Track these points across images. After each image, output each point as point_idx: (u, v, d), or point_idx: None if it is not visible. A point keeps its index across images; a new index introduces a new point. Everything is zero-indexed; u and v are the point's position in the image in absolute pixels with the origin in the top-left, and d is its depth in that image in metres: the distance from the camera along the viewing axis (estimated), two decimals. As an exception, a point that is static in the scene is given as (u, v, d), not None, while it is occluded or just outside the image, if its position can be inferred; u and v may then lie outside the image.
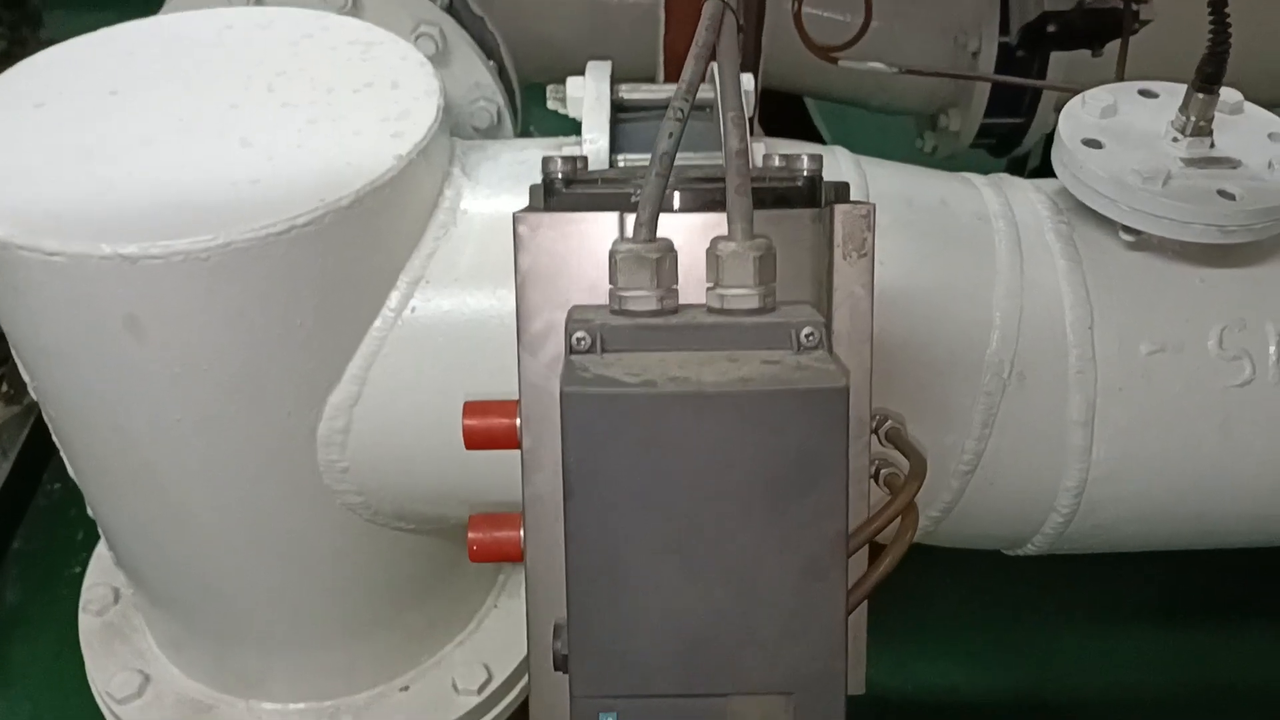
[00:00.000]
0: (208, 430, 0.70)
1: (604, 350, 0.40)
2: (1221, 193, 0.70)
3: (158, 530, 0.79)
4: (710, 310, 0.41)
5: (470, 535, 0.50)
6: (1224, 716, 1.17)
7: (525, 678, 0.96)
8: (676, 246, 0.42)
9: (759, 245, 0.41)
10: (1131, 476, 0.74)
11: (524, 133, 1.12)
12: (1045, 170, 0.94)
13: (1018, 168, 1.47)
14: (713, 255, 0.42)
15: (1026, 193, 0.79)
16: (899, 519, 0.48)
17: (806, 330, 0.39)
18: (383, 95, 0.73)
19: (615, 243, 0.42)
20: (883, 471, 0.53)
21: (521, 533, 0.47)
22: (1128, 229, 0.72)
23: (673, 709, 0.40)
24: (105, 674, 0.93)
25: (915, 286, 0.73)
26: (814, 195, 0.47)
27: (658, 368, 0.38)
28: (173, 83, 0.74)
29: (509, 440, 0.47)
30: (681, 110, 0.42)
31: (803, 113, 1.75)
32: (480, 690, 0.92)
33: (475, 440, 0.49)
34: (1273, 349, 0.72)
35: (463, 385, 0.73)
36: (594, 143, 0.69)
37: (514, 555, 0.47)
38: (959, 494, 0.76)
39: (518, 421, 0.46)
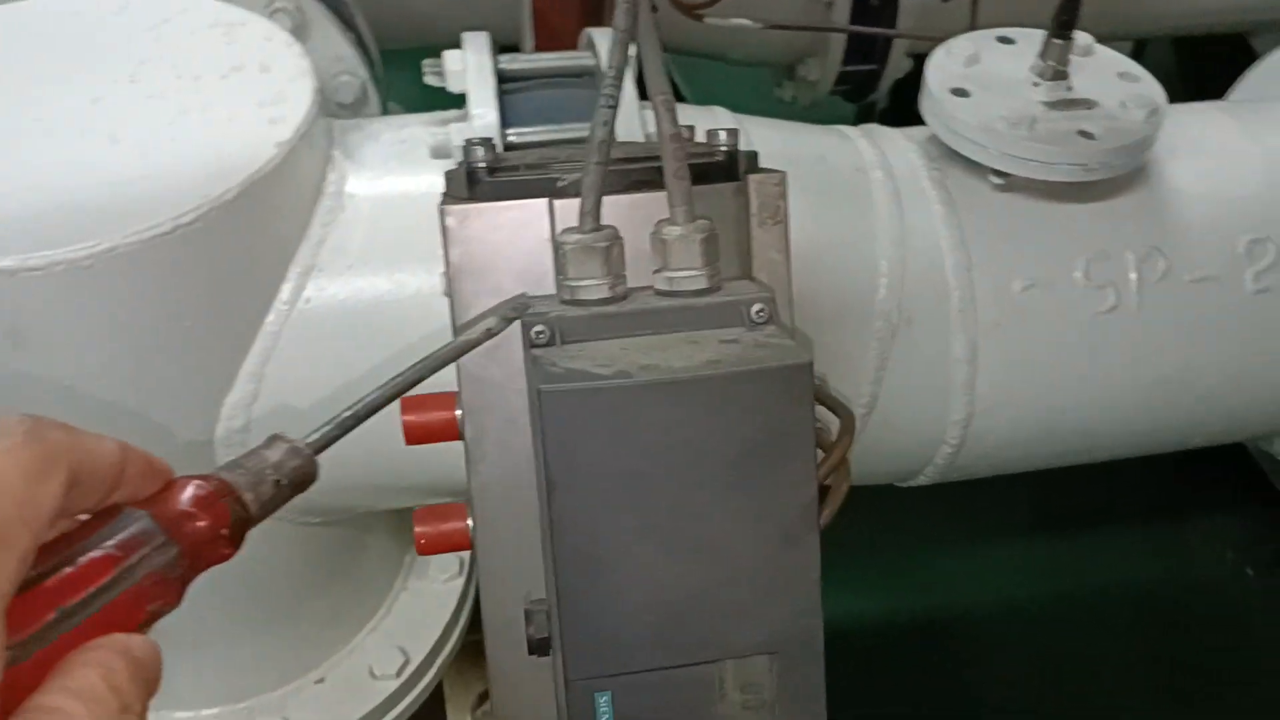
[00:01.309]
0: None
1: (563, 341, 0.40)
2: (1082, 133, 0.74)
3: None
4: (659, 293, 0.42)
5: (417, 530, 0.50)
6: (1095, 614, 1.26)
7: (442, 656, 0.97)
8: (605, 228, 0.42)
9: (703, 227, 0.42)
10: (1012, 406, 0.79)
11: (385, 105, 1.10)
12: (895, 112, 0.97)
13: (868, 112, 1.51)
14: (658, 239, 0.42)
15: (898, 142, 0.82)
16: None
17: (756, 307, 0.40)
18: (253, 80, 0.71)
19: (561, 234, 0.42)
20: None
21: (469, 522, 0.47)
22: (997, 172, 0.76)
23: (663, 681, 0.41)
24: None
25: (804, 242, 0.74)
26: (733, 169, 0.48)
27: (624, 356, 0.39)
28: (25, 78, 0.70)
29: (449, 433, 0.47)
30: (612, 96, 0.42)
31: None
32: (399, 674, 0.91)
33: (415, 435, 0.48)
34: (1133, 276, 0.77)
35: (362, 372, 0.71)
36: (483, 117, 0.69)
37: (463, 545, 0.48)
38: (858, 436, 0.79)
39: (458, 413, 0.46)
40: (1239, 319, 0.80)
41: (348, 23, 1.04)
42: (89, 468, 0.38)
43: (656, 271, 0.43)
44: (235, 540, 0.41)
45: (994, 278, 0.77)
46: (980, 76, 0.77)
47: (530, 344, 0.41)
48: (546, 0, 1.07)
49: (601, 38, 0.76)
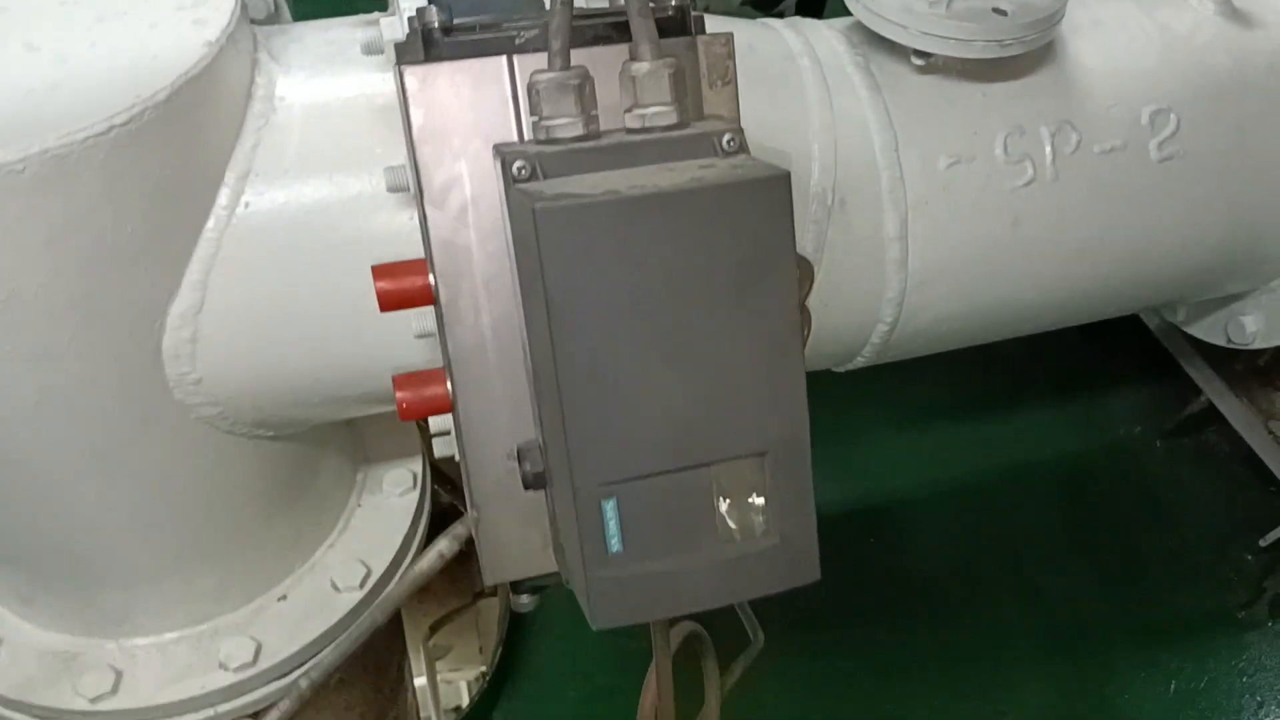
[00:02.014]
0: (44, 360, 0.66)
1: (545, 176, 0.41)
2: (996, 10, 0.76)
3: (-3, 476, 0.74)
4: (631, 131, 0.43)
5: (398, 395, 0.51)
6: (1020, 489, 1.32)
7: (403, 567, 0.98)
8: (566, 82, 0.43)
9: (670, 63, 0.43)
10: (943, 280, 0.82)
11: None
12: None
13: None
14: (626, 78, 0.43)
15: (822, 31, 0.84)
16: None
17: (727, 138, 0.42)
18: (173, -17, 0.69)
19: (533, 75, 0.42)
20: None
21: (448, 385, 0.48)
22: (918, 53, 0.78)
23: (665, 485, 0.43)
24: (-54, 644, 0.87)
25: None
26: (685, 24, 0.49)
27: (607, 183, 0.40)
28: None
29: (424, 298, 0.47)
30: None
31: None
32: (362, 585, 0.92)
33: (389, 302, 0.49)
34: (1048, 149, 0.81)
35: (308, 277, 0.71)
36: (411, 10, 0.68)
37: (444, 408, 0.49)
38: (796, 318, 0.81)
39: (431, 278, 0.47)
40: (1145, 187, 0.84)
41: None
42: None
43: (627, 111, 0.44)
44: None
45: (920, 156, 0.79)
46: (898, -39, 0.79)
47: (513, 180, 0.42)
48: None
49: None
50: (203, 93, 0.64)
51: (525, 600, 0.54)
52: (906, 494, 1.30)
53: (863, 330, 0.85)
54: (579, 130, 0.43)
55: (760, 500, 0.44)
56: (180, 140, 0.64)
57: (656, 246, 0.40)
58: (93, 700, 0.84)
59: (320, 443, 0.91)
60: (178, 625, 0.88)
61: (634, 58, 0.44)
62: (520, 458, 0.44)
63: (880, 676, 1.13)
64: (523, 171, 0.41)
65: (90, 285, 0.64)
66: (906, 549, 1.26)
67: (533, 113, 0.43)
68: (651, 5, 0.49)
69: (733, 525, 0.44)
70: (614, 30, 0.44)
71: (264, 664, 0.87)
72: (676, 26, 0.48)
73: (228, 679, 0.86)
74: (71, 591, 0.86)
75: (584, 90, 0.43)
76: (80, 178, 0.60)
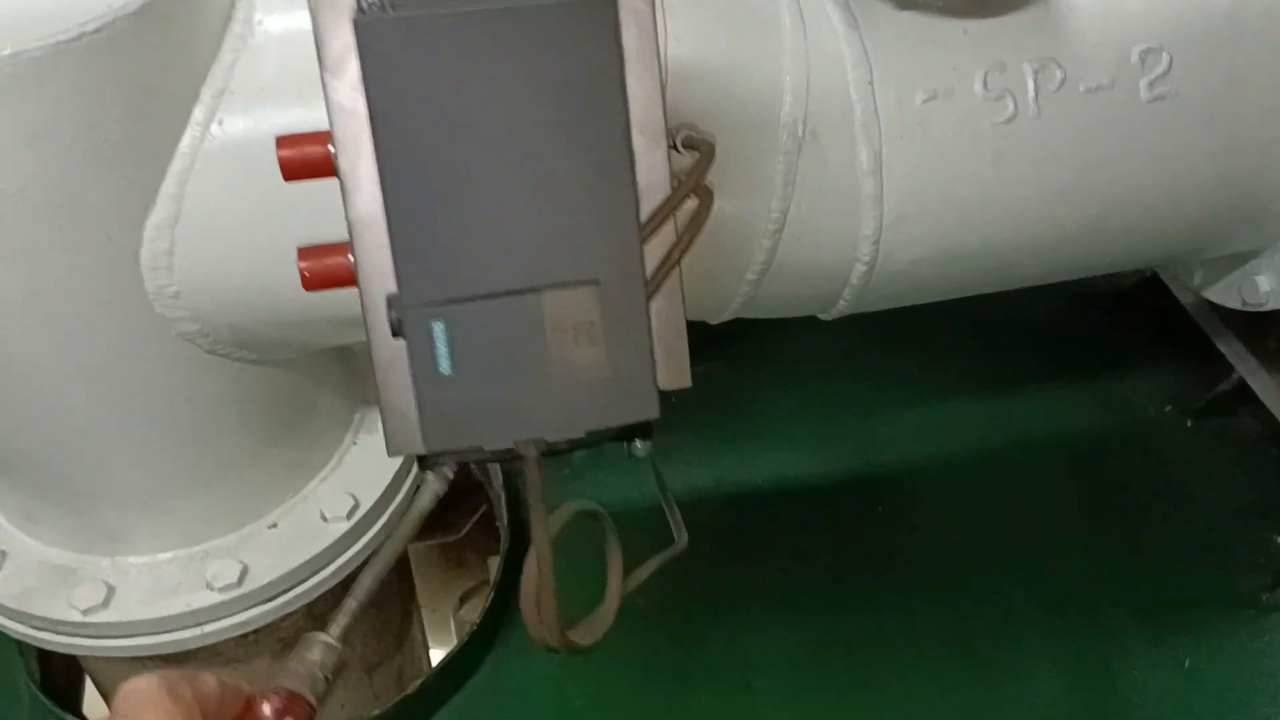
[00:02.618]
0: (25, 259, 0.69)
1: (394, 9, 0.43)
2: (973, -58, 0.76)
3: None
4: None
5: (300, 265, 0.52)
6: (1034, 467, 1.30)
7: (394, 504, 1.00)
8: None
9: None
10: (920, 217, 0.82)
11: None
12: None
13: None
14: None
15: (804, -32, 0.84)
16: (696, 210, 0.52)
17: None
18: (158, -94, 0.72)
19: None
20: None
21: (350, 256, 0.49)
22: (895, -13, 0.78)
23: (495, 310, 0.44)
24: (-44, 553, 0.92)
25: (710, 59, 0.77)
26: None
27: (444, 6, 0.41)
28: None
29: (326, 167, 0.49)
30: None
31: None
32: (349, 516, 0.94)
33: (293, 171, 0.51)
34: (1030, 85, 0.80)
35: (283, 194, 0.73)
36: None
37: (346, 278, 0.50)
38: (771, 253, 0.82)
39: (331, 147, 0.49)
40: (1135, 128, 0.82)
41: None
42: (206, 706, 0.48)
43: None
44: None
45: (896, 90, 0.79)
46: (876, -106, 0.79)
47: (360, 11, 0.43)
48: None
49: None
50: (176, 9, 0.67)
51: (433, 478, 0.55)
52: (915, 467, 1.29)
53: (841, 269, 0.84)
54: None
55: (593, 331, 0.44)
56: (155, 53, 0.67)
57: (480, 64, 0.41)
58: (85, 612, 0.87)
59: (314, 377, 0.94)
60: (170, 546, 0.91)
61: None
62: (389, 304, 0.46)
63: (877, 645, 1.12)
64: (373, 7, 0.43)
65: (69, 187, 0.68)
66: (913, 521, 1.24)
67: None
68: None
69: (566, 355, 0.45)
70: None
71: (249, 586, 0.90)
72: None
73: (213, 598, 0.89)
74: (70, 509, 0.89)
75: None
76: (54, 81, 0.63)
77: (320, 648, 0.54)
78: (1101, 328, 1.44)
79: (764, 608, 1.14)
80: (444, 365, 0.45)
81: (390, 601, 1.17)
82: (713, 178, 0.77)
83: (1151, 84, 0.82)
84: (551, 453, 0.53)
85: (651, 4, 0.52)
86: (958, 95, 0.79)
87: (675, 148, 0.58)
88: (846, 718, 1.08)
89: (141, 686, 0.48)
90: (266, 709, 0.51)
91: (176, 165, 0.71)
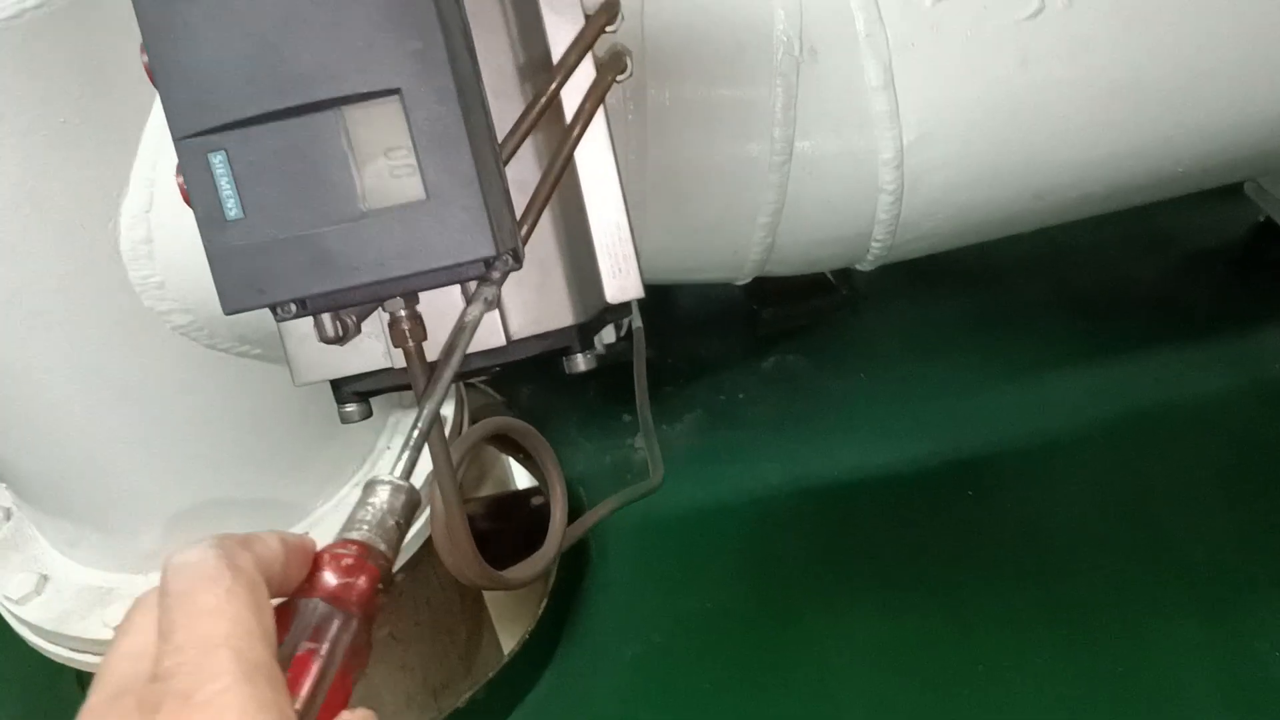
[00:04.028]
0: (7, 261, 0.68)
1: None
2: None
3: (1, 400, 0.77)
4: None
5: (177, 179, 0.48)
6: (1151, 439, 1.17)
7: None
8: None
9: None
10: (945, 134, 0.73)
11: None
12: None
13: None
14: None
15: (796, -116, 0.78)
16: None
17: None
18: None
19: None
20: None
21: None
22: (888, -119, 0.71)
23: (284, 134, 0.38)
24: (2, 582, 0.92)
25: (690, -19, 0.72)
26: None
27: None
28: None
29: None
30: None
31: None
32: (378, 521, 0.90)
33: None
34: (1055, -27, 0.71)
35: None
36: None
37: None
38: (781, 191, 0.75)
39: None
40: (1186, 9, 0.72)
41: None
42: (270, 574, 0.41)
43: None
44: (387, 588, 0.44)
45: (900, -5, 0.72)
46: None
47: None
48: None
49: None
50: (126, -18, 0.66)
51: (351, 409, 0.50)
52: (1014, 445, 1.17)
53: (864, 203, 0.76)
54: None
55: (402, 151, 0.38)
56: (105, 28, 0.66)
57: None
58: (116, 629, 0.85)
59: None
60: (204, 557, 0.89)
61: None
62: None
63: (975, 642, 1.00)
64: None
65: (31, 176, 0.66)
66: (1011, 503, 1.12)
67: None
68: None
69: (379, 187, 0.39)
70: None
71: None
72: None
73: (242, 611, 0.85)
74: (101, 528, 0.88)
75: None
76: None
77: (386, 490, 0.46)
78: (1217, 285, 1.30)
79: (847, 608, 1.04)
80: (231, 207, 0.40)
81: (455, 623, 1.13)
82: (699, 107, 0.71)
83: (1201, -44, 0.72)
84: (471, 374, 0.48)
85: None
86: (972, -8, 0.71)
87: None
88: (945, 724, 0.97)
89: (193, 559, 0.40)
90: (340, 566, 0.43)
91: (146, 145, 0.70)
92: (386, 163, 0.39)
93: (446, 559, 0.49)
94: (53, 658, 0.90)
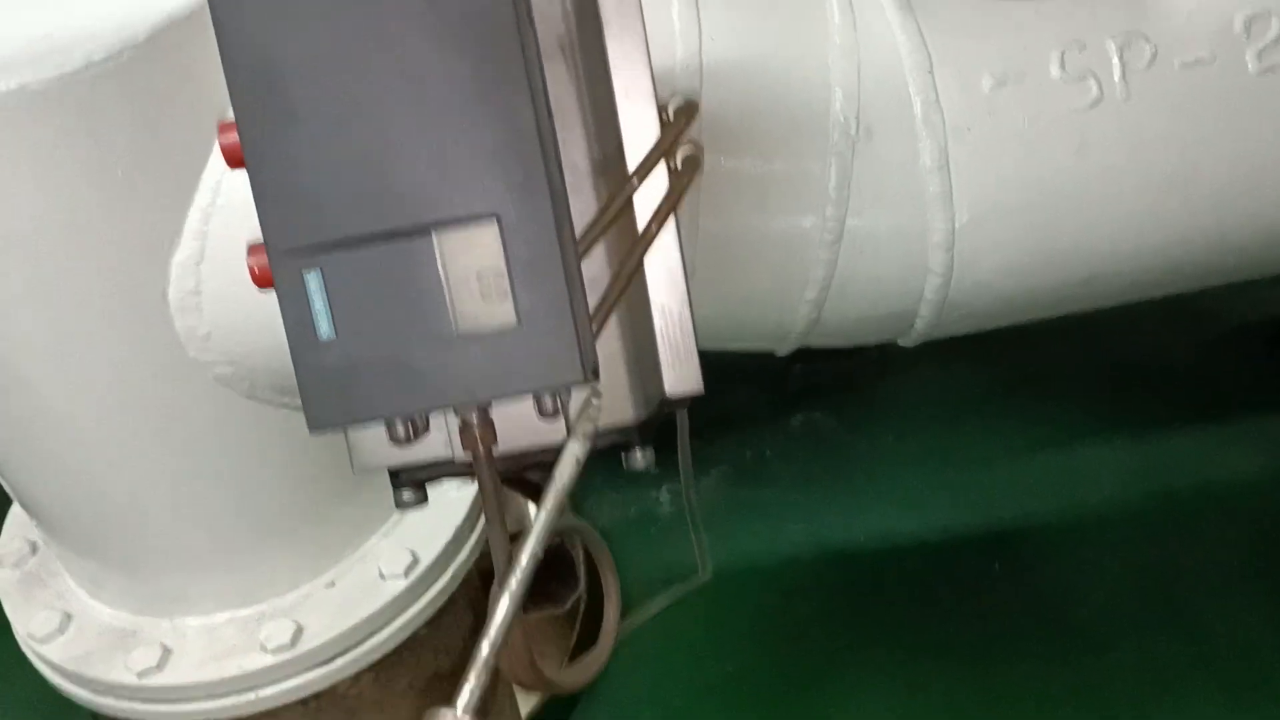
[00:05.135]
0: (48, 302, 0.68)
1: None
2: (1034, -92, 0.69)
3: (34, 437, 0.77)
4: None
5: (249, 260, 0.48)
6: (1180, 515, 1.16)
7: (456, 561, 0.95)
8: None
9: None
10: (998, 219, 0.73)
11: None
12: None
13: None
14: None
15: (856, -39, 0.78)
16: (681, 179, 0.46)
17: None
18: (180, -57, 0.72)
19: None
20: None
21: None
22: (951, -34, 0.71)
23: (380, 255, 0.38)
24: (26, 618, 0.91)
25: (749, 57, 0.72)
26: None
27: None
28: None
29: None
30: None
31: None
32: (406, 574, 0.90)
33: (232, 157, 0.47)
34: (1115, 63, 0.71)
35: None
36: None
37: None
38: (830, 267, 0.74)
39: None
40: (1243, 105, 0.72)
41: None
42: None
43: None
44: None
45: (959, 77, 0.72)
46: None
47: None
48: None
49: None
50: (190, 37, 0.66)
51: (408, 497, 0.49)
52: (1042, 519, 1.16)
53: (912, 283, 0.76)
54: None
55: (499, 279, 0.38)
56: (166, 83, 0.66)
57: None
58: (139, 675, 0.85)
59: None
60: (228, 606, 0.88)
61: None
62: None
63: (994, 713, 0.99)
64: None
65: (85, 225, 0.67)
66: (1039, 577, 1.11)
67: None
68: None
69: (470, 310, 0.38)
70: None
71: (302, 647, 0.85)
72: None
73: (266, 661, 0.85)
74: (127, 570, 0.88)
75: None
76: (60, 115, 0.63)
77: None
78: (1254, 362, 1.29)
79: (870, 680, 1.03)
80: (324, 326, 0.40)
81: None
82: (755, 184, 0.71)
83: (1261, 53, 0.72)
84: (521, 478, 0.47)
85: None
86: (1031, 79, 0.71)
87: (667, 119, 0.52)
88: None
89: None
90: None
91: (200, 199, 0.70)
92: (479, 285, 0.38)
93: (502, 663, 0.48)
94: (72, 698, 0.89)
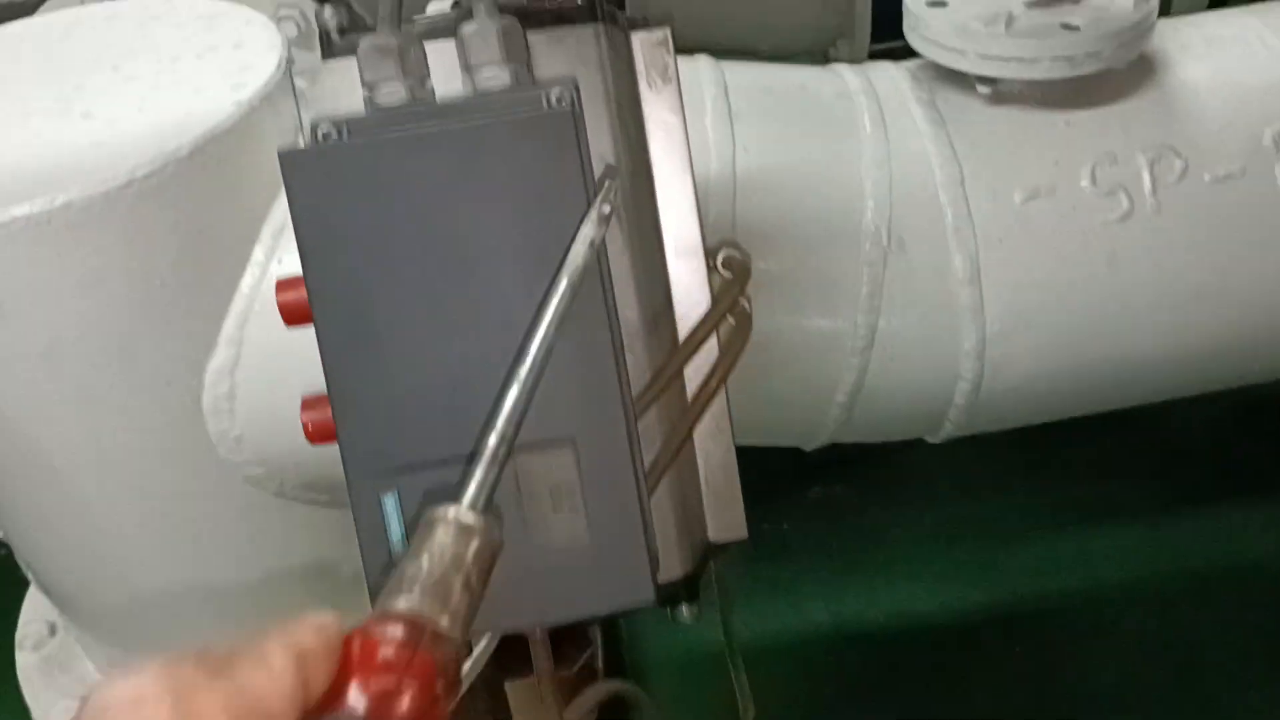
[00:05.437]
0: (86, 404, 0.69)
1: (350, 137, 0.39)
2: (1065, 26, 0.70)
3: (63, 529, 0.77)
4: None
5: (303, 415, 0.49)
6: (1204, 597, 1.15)
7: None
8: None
9: (504, 20, 0.40)
10: (1029, 329, 0.74)
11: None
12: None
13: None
14: (459, 40, 0.41)
15: (887, 70, 0.79)
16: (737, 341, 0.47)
17: (556, 92, 0.38)
18: (225, 56, 0.73)
19: (360, 39, 0.41)
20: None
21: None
22: (982, 80, 0.72)
23: (455, 477, 0.38)
24: (45, 707, 0.91)
25: (782, 168, 0.73)
26: (593, 10, 0.46)
27: (383, 131, 0.38)
28: (17, 76, 0.74)
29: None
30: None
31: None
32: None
33: (291, 315, 0.47)
34: (1146, 177, 0.72)
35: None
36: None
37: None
38: (861, 373, 0.75)
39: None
40: (1273, 216, 0.73)
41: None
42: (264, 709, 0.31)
43: (463, 75, 0.41)
44: (453, 685, 0.32)
45: (991, 190, 0.72)
46: (957, -13, 0.74)
47: (315, 137, 0.40)
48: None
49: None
50: (232, 150, 0.67)
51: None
52: (1062, 601, 1.16)
53: (942, 389, 0.76)
54: (401, 95, 0.40)
55: (573, 498, 0.38)
56: (210, 195, 0.67)
57: (420, 193, 0.36)
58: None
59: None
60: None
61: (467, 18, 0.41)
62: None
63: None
64: (328, 136, 0.39)
65: (126, 332, 0.67)
66: (1058, 655, 1.11)
67: (361, 83, 0.41)
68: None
69: (543, 527, 0.38)
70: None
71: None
72: (584, 14, 0.45)
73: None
74: (153, 656, 0.87)
75: (408, 53, 0.40)
76: (104, 229, 0.63)
77: (450, 531, 0.33)
78: (1275, 441, 1.29)
79: (890, 764, 1.03)
80: (398, 545, 0.40)
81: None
82: (787, 292, 0.71)
83: (1290, 168, 0.72)
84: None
85: (681, 115, 0.48)
86: (1062, 192, 0.72)
87: (715, 268, 0.52)
88: None
89: (125, 694, 0.29)
90: (357, 692, 0.31)
91: (237, 307, 0.70)
92: (550, 501, 0.39)
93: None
94: (92, 788, 0.88)
